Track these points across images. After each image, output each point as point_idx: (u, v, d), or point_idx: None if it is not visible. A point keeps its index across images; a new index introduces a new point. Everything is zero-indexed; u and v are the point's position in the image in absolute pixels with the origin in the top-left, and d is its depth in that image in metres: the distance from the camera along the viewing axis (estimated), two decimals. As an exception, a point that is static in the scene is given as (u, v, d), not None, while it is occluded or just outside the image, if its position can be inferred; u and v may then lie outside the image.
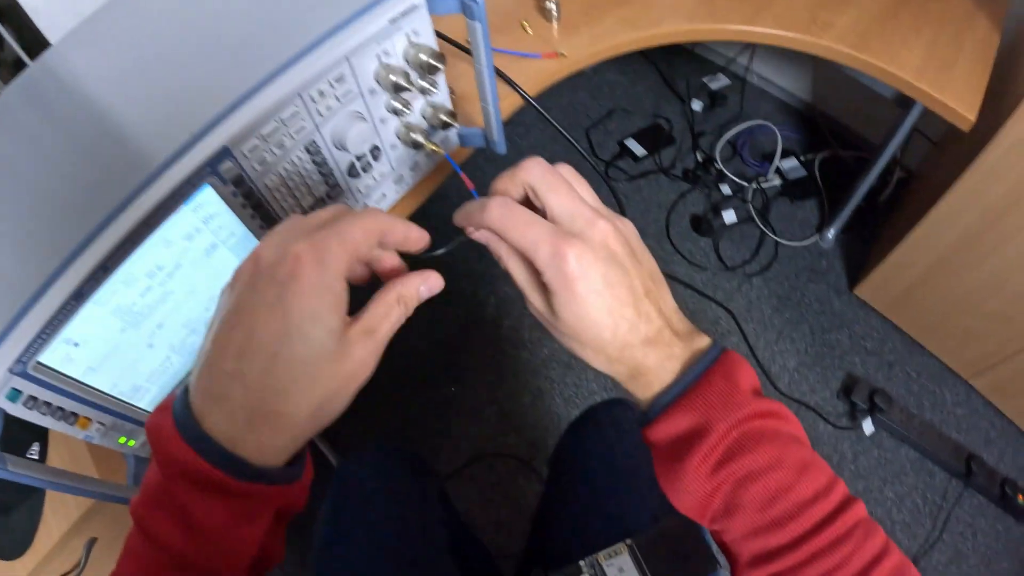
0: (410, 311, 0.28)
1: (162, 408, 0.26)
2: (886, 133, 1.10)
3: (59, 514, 0.46)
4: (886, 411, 1.08)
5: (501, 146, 0.53)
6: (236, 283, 0.26)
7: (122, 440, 0.41)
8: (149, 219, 0.34)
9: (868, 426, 1.10)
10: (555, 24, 0.70)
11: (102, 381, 0.37)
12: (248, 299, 0.24)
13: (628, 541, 0.45)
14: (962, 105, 0.72)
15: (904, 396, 1.15)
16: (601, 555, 0.44)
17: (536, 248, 0.27)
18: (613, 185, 0.57)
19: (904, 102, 1.02)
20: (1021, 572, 1.00)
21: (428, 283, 0.29)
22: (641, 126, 1.48)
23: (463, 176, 0.44)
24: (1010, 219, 0.87)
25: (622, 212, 0.54)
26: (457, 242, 0.44)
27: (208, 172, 0.36)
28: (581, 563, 0.44)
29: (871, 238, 1.29)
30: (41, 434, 0.49)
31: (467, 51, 0.61)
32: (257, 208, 0.41)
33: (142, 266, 0.36)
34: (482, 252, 1.32)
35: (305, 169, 0.42)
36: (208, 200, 0.38)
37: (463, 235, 0.34)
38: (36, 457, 0.48)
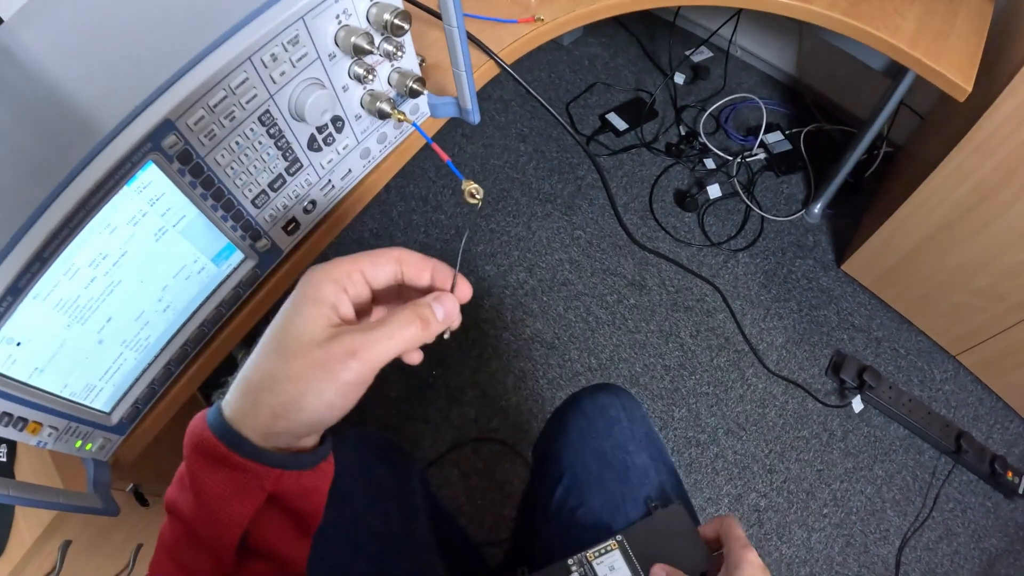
0: (427, 328, 0.27)
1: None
2: (874, 107, 1.08)
3: (31, 517, 0.44)
4: (875, 388, 1.07)
5: (475, 115, 0.49)
6: None
7: (78, 444, 0.39)
8: (86, 202, 0.31)
9: (857, 404, 1.09)
10: None
11: (50, 382, 0.35)
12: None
13: (618, 537, 0.43)
14: (958, 75, 0.70)
15: (893, 373, 1.14)
16: (590, 553, 0.42)
17: None
18: (598, 162, 0.54)
19: (894, 73, 1.00)
20: (1010, 548, 1.00)
21: (443, 305, 0.28)
22: (623, 100, 1.44)
23: (434, 146, 0.40)
24: (1001, 194, 0.85)
25: (606, 189, 0.51)
26: None
27: (149, 148, 0.32)
28: (569, 562, 0.42)
29: (858, 213, 1.27)
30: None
31: (438, 16, 0.57)
32: (207, 187, 0.36)
33: (84, 255, 0.33)
34: (460, 231, 1.27)
35: (260, 143, 0.38)
36: (152, 179, 0.34)
37: None
38: (3, 459, 0.44)
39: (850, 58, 1.01)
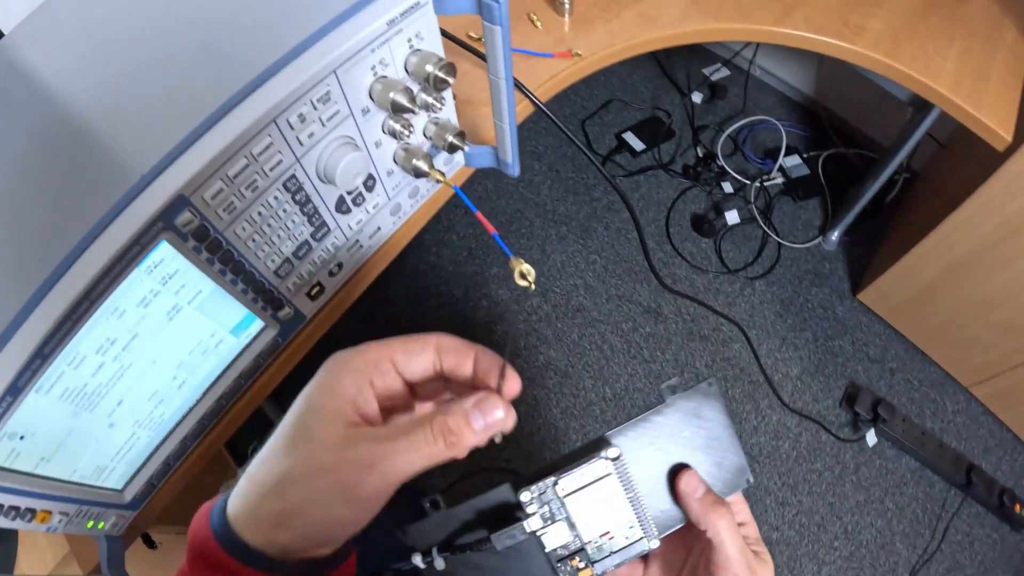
0: (454, 439, 0.22)
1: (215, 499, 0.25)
2: (897, 136, 1.07)
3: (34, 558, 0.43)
4: (889, 421, 1.06)
5: (514, 168, 0.46)
6: None
7: (90, 524, 0.37)
8: (91, 291, 0.28)
9: (871, 437, 1.08)
10: (567, 18, 0.63)
11: (59, 470, 0.34)
12: None
13: (611, 453, 0.27)
14: (999, 124, 0.68)
15: (906, 404, 1.13)
16: (564, 481, 0.26)
17: None
18: (624, 194, 0.48)
19: (919, 105, 0.98)
20: (1016, 581, 1.00)
21: (484, 413, 0.23)
22: (639, 118, 1.41)
23: (481, 218, 0.37)
24: None
25: (631, 215, 0.48)
26: None
27: (161, 227, 0.29)
28: (524, 498, 0.27)
29: (875, 241, 1.26)
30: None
31: (472, 50, 0.53)
32: (226, 262, 0.33)
33: (89, 343, 0.31)
34: (473, 252, 1.23)
35: (284, 210, 0.34)
36: (165, 257, 0.31)
37: None
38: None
39: (869, 82, 0.99)
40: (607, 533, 0.27)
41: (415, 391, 0.26)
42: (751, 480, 0.29)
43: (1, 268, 0.30)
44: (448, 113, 0.41)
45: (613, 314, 1.19)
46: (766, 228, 1.27)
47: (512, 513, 0.26)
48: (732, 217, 1.24)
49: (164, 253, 0.31)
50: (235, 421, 0.44)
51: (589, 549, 0.27)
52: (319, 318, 0.44)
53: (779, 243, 1.27)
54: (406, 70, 0.35)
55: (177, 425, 0.40)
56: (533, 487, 0.26)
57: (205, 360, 0.39)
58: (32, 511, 0.32)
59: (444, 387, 0.27)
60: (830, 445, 1.09)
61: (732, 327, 1.15)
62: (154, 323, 0.33)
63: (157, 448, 0.40)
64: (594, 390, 1.11)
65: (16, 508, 0.31)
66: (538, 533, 0.26)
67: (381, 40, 0.32)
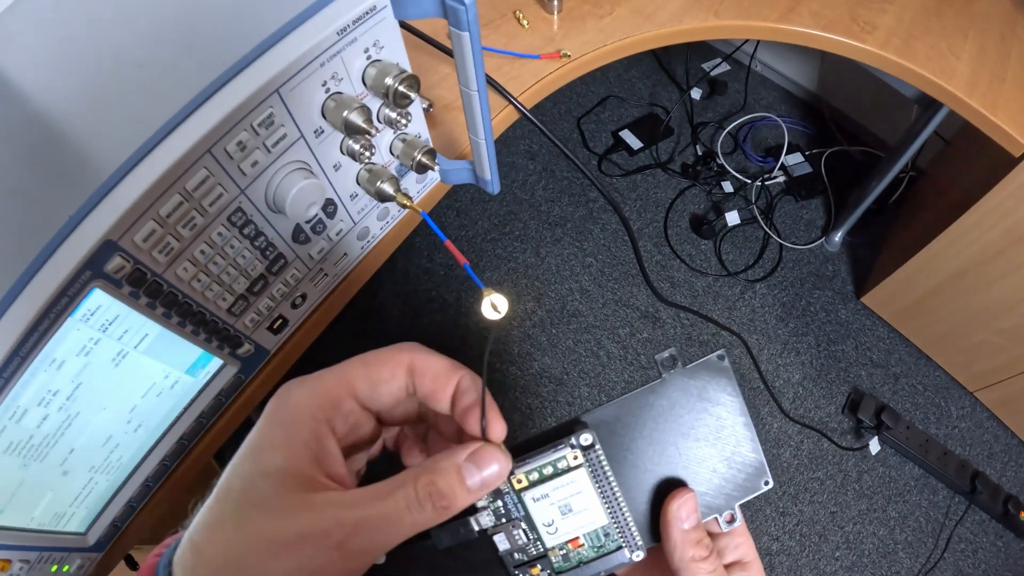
0: (443, 503, 0.19)
1: (162, 547, 0.21)
2: (903, 134, 1.03)
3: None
4: (892, 429, 1.04)
5: (494, 185, 0.42)
6: None
7: (54, 569, 0.36)
8: (19, 348, 0.26)
9: (874, 445, 1.06)
10: (556, 15, 0.60)
11: (14, 519, 0.33)
12: None
13: (585, 438, 0.22)
14: (1015, 127, 0.65)
15: (909, 410, 1.11)
16: (520, 476, 0.22)
17: None
18: (617, 205, 0.44)
19: (926, 103, 0.94)
20: (1020, 589, 0.99)
21: (480, 467, 0.19)
22: (637, 115, 1.38)
23: (448, 245, 0.34)
24: None
25: (625, 227, 0.45)
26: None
27: (90, 276, 0.26)
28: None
29: (879, 242, 1.23)
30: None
31: (446, 51, 0.50)
32: (170, 305, 0.30)
33: (29, 397, 0.29)
34: (466, 255, 1.17)
35: (232, 247, 0.31)
36: (101, 304, 0.29)
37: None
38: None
39: (874, 78, 0.96)
40: (576, 540, 0.23)
41: (380, 416, 0.22)
42: (770, 483, 0.24)
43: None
44: (417, 128, 0.37)
45: (609, 319, 1.16)
46: (767, 229, 1.24)
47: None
48: (732, 218, 1.21)
49: (99, 300, 0.28)
50: (200, 459, 0.41)
51: (552, 557, 0.23)
52: (286, 350, 0.41)
53: (781, 244, 1.23)
54: (364, 84, 0.32)
55: (137, 468, 0.38)
56: None
57: (161, 402, 0.36)
58: None
59: (416, 410, 0.23)
60: (832, 453, 1.07)
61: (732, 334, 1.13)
62: (98, 371, 0.31)
63: (118, 491, 0.39)
64: (590, 398, 1.09)
65: None
66: (488, 532, 0.22)
67: (332, 52, 0.29)
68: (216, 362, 0.37)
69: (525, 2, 0.59)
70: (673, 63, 1.46)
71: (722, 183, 1.28)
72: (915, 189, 1.25)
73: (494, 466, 0.20)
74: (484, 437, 0.20)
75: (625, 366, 1.12)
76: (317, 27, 0.28)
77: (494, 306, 0.26)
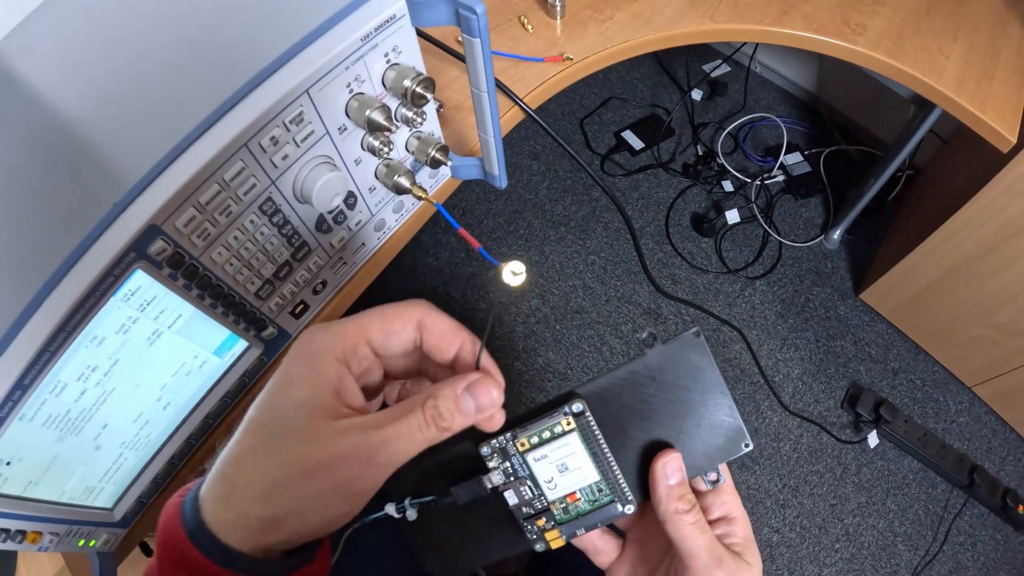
0: (442, 423, 0.21)
1: (184, 488, 0.24)
2: (897, 131, 1.05)
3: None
4: (891, 423, 1.05)
5: (501, 180, 0.45)
6: None
7: (81, 543, 0.37)
8: (66, 323, 0.28)
9: (873, 439, 1.07)
10: (559, 20, 0.62)
11: (47, 492, 0.34)
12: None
13: (576, 407, 0.25)
14: (1003, 125, 0.66)
15: (908, 404, 1.12)
16: (523, 439, 0.25)
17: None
18: (619, 202, 0.46)
19: (922, 102, 0.96)
20: (1019, 582, 1.00)
21: (475, 396, 0.22)
22: (639, 116, 1.40)
23: (464, 234, 0.36)
24: None
25: (626, 222, 0.47)
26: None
27: (134, 257, 0.29)
28: (484, 451, 0.25)
29: (877, 239, 1.24)
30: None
31: (459, 56, 0.52)
32: (204, 287, 0.33)
33: (70, 371, 0.30)
34: (471, 253, 1.21)
35: (262, 234, 0.34)
36: (141, 285, 0.31)
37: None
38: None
39: (872, 78, 0.98)
40: (573, 494, 0.26)
41: (387, 368, 0.25)
42: (750, 445, 0.26)
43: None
44: (431, 126, 0.40)
45: (612, 316, 1.18)
46: (767, 227, 1.26)
47: (481, 468, 0.25)
48: (732, 216, 1.23)
49: (140, 281, 0.30)
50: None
51: (554, 510, 0.26)
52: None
53: (780, 242, 1.25)
54: (384, 85, 0.34)
55: (164, 445, 0.40)
56: (493, 441, 0.25)
57: (189, 381, 0.38)
58: (23, 532, 0.33)
59: (419, 361, 0.26)
60: (831, 446, 1.08)
61: (732, 329, 1.14)
62: (135, 348, 0.33)
63: (145, 467, 0.40)
64: (593, 392, 1.11)
65: (7, 530, 0.32)
66: (500, 489, 0.25)
67: (356, 56, 0.31)
68: (242, 344, 0.39)
69: (529, 7, 0.62)
70: (674, 65, 1.48)
71: (722, 182, 1.29)
72: (913, 187, 1.26)
73: (492, 393, 0.22)
74: (478, 367, 0.23)
75: (628, 361, 1.14)
76: (343, 33, 0.31)
77: (513, 272, 0.29)
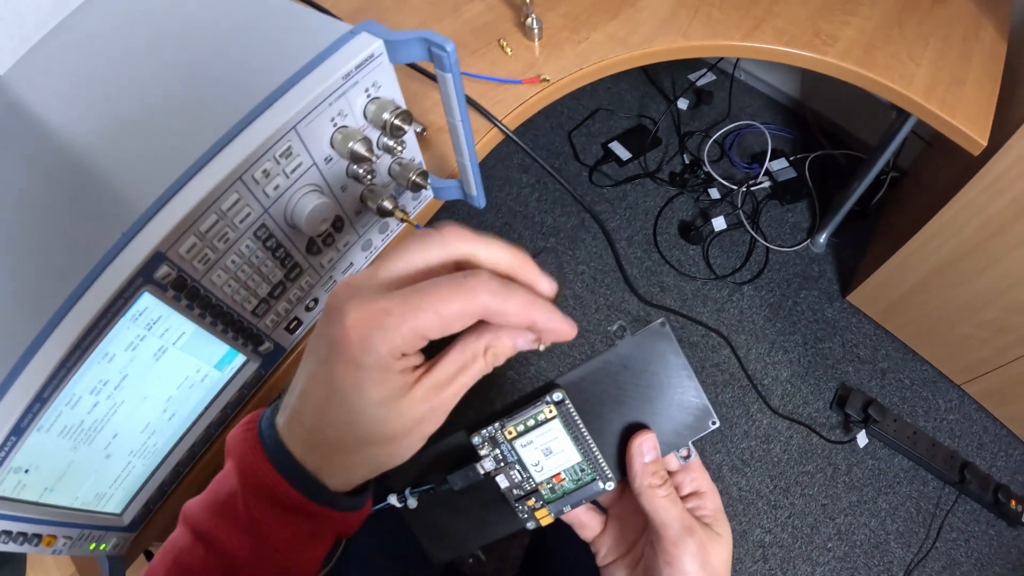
0: (498, 363, 0.23)
1: (248, 423, 0.26)
2: (881, 133, 1.07)
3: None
4: (880, 422, 1.07)
5: (480, 200, 0.48)
6: (321, 318, 0.24)
7: (92, 546, 0.39)
8: (81, 341, 0.31)
9: (862, 439, 1.09)
10: (537, 42, 0.64)
11: (62, 498, 0.36)
12: (312, 346, 0.23)
13: (556, 396, 0.27)
14: (973, 128, 0.68)
15: (897, 404, 1.14)
16: (510, 428, 0.27)
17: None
18: (595, 212, 0.49)
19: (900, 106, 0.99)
20: (1013, 576, 1.01)
21: (527, 338, 0.23)
22: (626, 127, 1.43)
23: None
24: (1010, 232, 0.85)
25: (604, 233, 0.49)
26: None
27: (141, 282, 0.32)
28: (476, 440, 0.28)
29: (863, 241, 1.26)
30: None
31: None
32: (205, 307, 0.36)
33: (84, 385, 0.33)
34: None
35: (257, 257, 0.37)
36: (148, 306, 0.34)
37: None
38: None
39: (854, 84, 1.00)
40: (558, 475, 0.28)
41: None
42: (717, 423, 0.28)
43: (1, 319, 0.33)
44: (412, 152, 0.43)
45: (602, 323, 1.20)
46: (754, 233, 1.28)
47: (474, 456, 0.28)
48: (719, 223, 1.26)
49: (147, 303, 0.33)
50: (222, 450, 0.47)
51: (542, 490, 0.28)
52: (301, 347, 0.46)
53: (767, 247, 1.28)
54: (365, 118, 0.37)
55: (170, 453, 0.43)
56: (483, 431, 0.27)
57: (192, 393, 0.41)
58: (38, 536, 0.35)
59: None
60: (821, 447, 1.10)
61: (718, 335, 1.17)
62: (142, 364, 0.36)
63: (152, 475, 0.43)
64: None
65: (24, 534, 0.34)
66: (492, 474, 0.28)
67: (339, 93, 0.34)
68: (240, 358, 0.42)
69: (509, 31, 0.64)
70: (660, 75, 1.51)
71: (709, 190, 1.32)
72: (898, 189, 1.28)
73: (513, 338, 0.23)
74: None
75: (602, 351, 1.16)
76: (326, 72, 0.34)
77: None
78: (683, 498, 0.28)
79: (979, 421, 1.13)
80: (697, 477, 0.29)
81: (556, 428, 0.27)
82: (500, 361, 0.23)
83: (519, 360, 1.17)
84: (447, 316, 0.20)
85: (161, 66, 0.40)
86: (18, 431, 0.31)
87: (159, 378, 0.38)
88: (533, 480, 0.28)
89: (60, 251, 0.34)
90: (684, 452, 0.29)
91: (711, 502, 0.29)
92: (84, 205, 0.35)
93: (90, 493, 0.38)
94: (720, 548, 0.27)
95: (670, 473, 0.29)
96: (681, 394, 0.28)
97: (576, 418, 0.27)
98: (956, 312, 1.01)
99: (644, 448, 0.27)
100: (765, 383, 1.14)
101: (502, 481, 0.28)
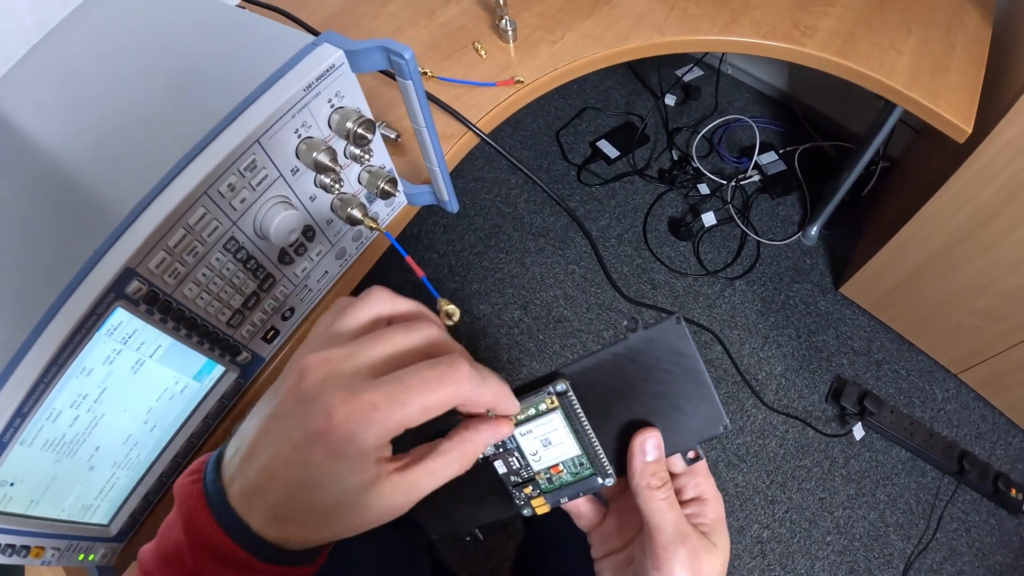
0: (470, 466, 0.24)
1: (193, 474, 0.25)
2: (870, 125, 1.07)
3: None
4: (876, 414, 1.07)
5: (452, 205, 0.49)
6: (281, 384, 0.23)
7: (81, 557, 0.40)
8: (57, 357, 0.31)
9: (858, 431, 1.08)
10: (511, 44, 0.64)
11: (48, 510, 0.37)
12: (279, 422, 0.22)
13: (559, 387, 0.26)
14: (958, 115, 0.67)
15: (894, 395, 1.13)
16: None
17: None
18: (574, 213, 0.49)
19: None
20: (1015, 564, 1.00)
21: (500, 434, 0.24)
22: (613, 125, 1.43)
23: (408, 260, 0.40)
24: (1001, 219, 0.85)
25: (583, 231, 0.49)
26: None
27: (113, 297, 0.32)
28: None
29: (855, 233, 1.26)
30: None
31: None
32: (179, 320, 0.36)
33: (63, 399, 0.34)
34: (453, 269, 1.25)
35: (228, 269, 0.37)
36: (122, 321, 0.34)
37: None
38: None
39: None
40: (556, 467, 0.27)
41: None
42: (728, 426, 0.26)
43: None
44: (381, 159, 0.43)
45: (594, 323, 1.20)
46: (744, 227, 1.28)
47: None
48: (709, 219, 1.25)
49: (120, 318, 0.34)
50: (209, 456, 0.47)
51: (539, 480, 0.28)
52: (280, 356, 0.47)
53: (758, 241, 1.27)
54: (330, 127, 0.37)
55: (153, 464, 0.43)
56: None
57: (173, 405, 0.42)
58: (27, 548, 0.35)
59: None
60: (818, 441, 1.09)
61: (710, 333, 1.17)
62: (120, 377, 0.36)
63: (136, 485, 0.43)
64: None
65: (12, 546, 0.34)
66: (490, 459, 0.27)
67: (301, 104, 0.34)
68: (219, 369, 0.43)
69: (483, 33, 0.64)
70: (647, 71, 1.51)
71: (698, 185, 1.32)
72: (889, 179, 1.28)
73: (488, 438, 0.24)
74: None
75: (611, 343, 1.15)
76: (287, 85, 0.34)
77: (449, 314, 0.33)
78: (684, 503, 0.28)
79: (977, 410, 1.12)
80: (701, 483, 0.28)
81: (556, 420, 0.26)
82: (472, 462, 0.24)
83: (511, 361, 1.17)
84: (431, 408, 0.21)
85: (136, 82, 0.40)
86: (1, 445, 0.31)
87: (138, 390, 0.38)
88: (531, 469, 0.27)
89: (39, 267, 0.34)
90: (691, 454, 0.27)
91: (712, 511, 0.28)
92: (62, 220, 0.35)
93: (76, 505, 0.39)
94: (714, 559, 0.26)
95: (673, 475, 0.28)
96: (691, 393, 0.26)
97: (578, 410, 0.26)
98: (950, 301, 1.01)
99: (647, 446, 0.26)
100: (759, 378, 1.14)
101: (500, 467, 0.27)
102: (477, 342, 1.19)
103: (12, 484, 0.34)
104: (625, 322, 0.26)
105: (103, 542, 0.41)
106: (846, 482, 1.06)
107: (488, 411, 0.25)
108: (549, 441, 0.27)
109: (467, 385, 0.22)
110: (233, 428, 0.25)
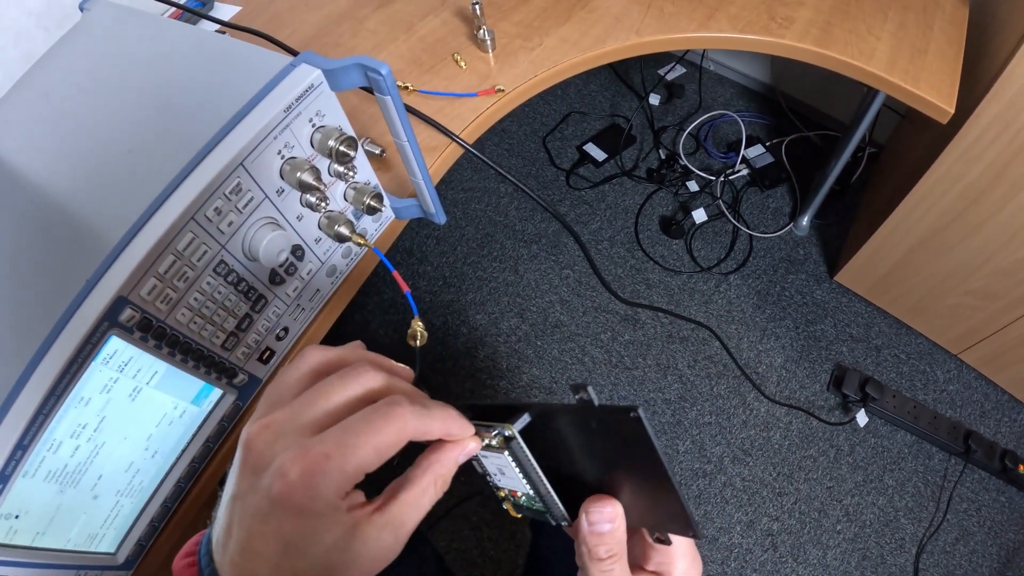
0: (448, 484, 0.24)
1: (187, 556, 0.25)
2: (855, 112, 1.07)
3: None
4: (879, 400, 1.07)
5: (440, 217, 0.49)
6: (235, 464, 0.23)
7: None
8: (55, 388, 0.32)
9: (862, 417, 1.08)
10: (491, 53, 0.64)
11: (54, 541, 0.37)
12: (244, 500, 0.22)
13: (507, 432, 0.24)
14: (939, 97, 0.67)
15: (895, 379, 1.13)
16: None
17: None
18: (562, 217, 0.50)
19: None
20: (1028, 540, 1.00)
21: (467, 451, 0.24)
22: (599, 128, 1.44)
23: (395, 275, 0.40)
24: (990, 198, 0.85)
25: (572, 234, 0.49)
26: None
27: (107, 326, 0.33)
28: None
29: (846, 220, 1.27)
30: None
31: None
32: (173, 345, 0.37)
33: (63, 430, 0.34)
34: (448, 281, 1.25)
35: (219, 292, 0.38)
36: (117, 349, 0.35)
37: None
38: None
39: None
40: (515, 491, 0.27)
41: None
42: (698, 536, 0.22)
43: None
44: (366, 176, 0.44)
45: (591, 326, 1.20)
46: (735, 222, 1.29)
47: None
48: (699, 215, 1.26)
49: (115, 346, 0.34)
50: (211, 479, 0.47)
51: (504, 493, 0.28)
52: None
53: (750, 235, 1.28)
54: (312, 147, 0.37)
55: (156, 490, 0.43)
56: None
57: (172, 430, 0.42)
58: None
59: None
60: (822, 430, 1.09)
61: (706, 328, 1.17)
62: (119, 405, 0.36)
63: (141, 512, 0.43)
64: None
65: None
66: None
67: (282, 126, 0.34)
68: (216, 392, 0.43)
69: (462, 44, 0.65)
70: (630, 72, 1.52)
71: (687, 183, 1.32)
72: (876, 165, 1.28)
73: (455, 456, 0.24)
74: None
75: (610, 369, 1.16)
76: (268, 107, 0.34)
77: (416, 334, 0.33)
78: (642, 571, 0.25)
79: (979, 389, 1.12)
80: (666, 563, 0.25)
81: (506, 459, 0.25)
82: (449, 481, 0.24)
83: (511, 369, 1.17)
84: (383, 448, 0.21)
85: (120, 112, 0.41)
86: (3, 478, 0.31)
87: (137, 417, 0.38)
88: (496, 483, 0.28)
89: (31, 299, 0.34)
90: (657, 536, 0.24)
91: None
92: (52, 251, 0.35)
93: (82, 534, 0.39)
94: None
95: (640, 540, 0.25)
96: (657, 489, 0.22)
97: (529, 457, 0.24)
98: (944, 282, 1.01)
99: (594, 517, 0.23)
100: (760, 371, 1.14)
101: (476, 466, 0.27)
102: (476, 352, 1.19)
103: (17, 516, 0.34)
104: (577, 396, 0.22)
105: (111, 570, 0.41)
106: (853, 469, 1.06)
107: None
108: (503, 472, 0.26)
109: (413, 420, 0.22)
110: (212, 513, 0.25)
